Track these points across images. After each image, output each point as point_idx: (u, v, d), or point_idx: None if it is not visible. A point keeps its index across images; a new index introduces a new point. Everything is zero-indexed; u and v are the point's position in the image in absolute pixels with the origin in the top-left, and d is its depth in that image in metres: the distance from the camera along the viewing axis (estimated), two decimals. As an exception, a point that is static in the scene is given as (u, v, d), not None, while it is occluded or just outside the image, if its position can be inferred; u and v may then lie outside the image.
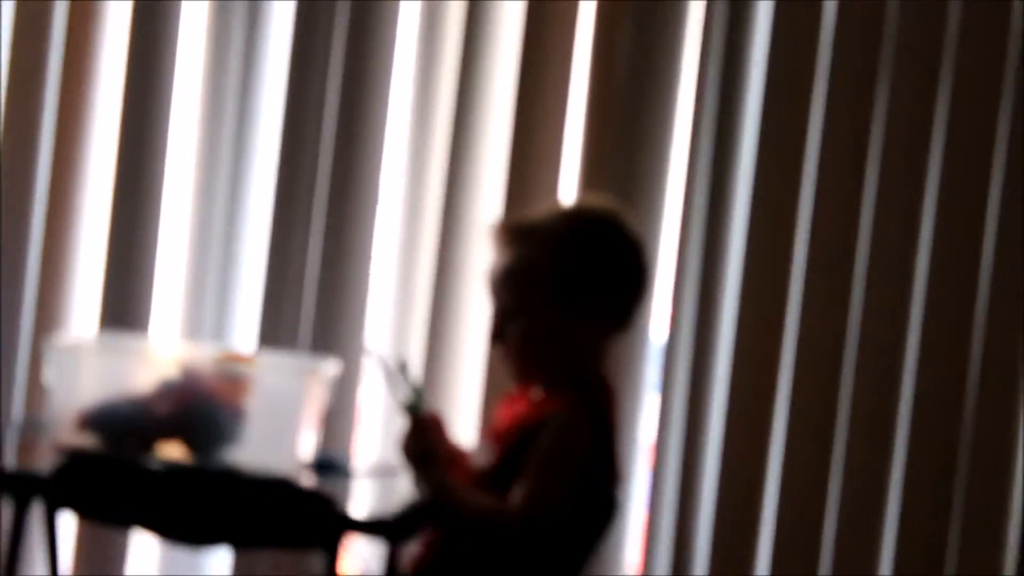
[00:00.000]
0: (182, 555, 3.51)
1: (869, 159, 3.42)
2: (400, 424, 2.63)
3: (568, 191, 3.44)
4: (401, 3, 3.48)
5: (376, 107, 3.48)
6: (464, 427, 3.45)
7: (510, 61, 3.47)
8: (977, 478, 3.43)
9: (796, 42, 3.43)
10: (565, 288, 2.59)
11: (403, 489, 2.66)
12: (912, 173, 3.42)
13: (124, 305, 3.50)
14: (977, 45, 3.39)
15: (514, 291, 2.61)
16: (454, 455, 2.70)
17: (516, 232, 2.63)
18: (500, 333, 2.63)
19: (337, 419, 3.30)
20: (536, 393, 2.64)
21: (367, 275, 3.49)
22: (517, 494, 2.50)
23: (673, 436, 3.47)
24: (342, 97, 3.46)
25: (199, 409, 2.80)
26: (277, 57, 3.53)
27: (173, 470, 2.64)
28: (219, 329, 3.54)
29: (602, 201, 2.75)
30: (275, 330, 3.49)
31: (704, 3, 3.44)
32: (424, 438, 2.59)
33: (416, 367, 3.44)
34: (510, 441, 2.59)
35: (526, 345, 2.62)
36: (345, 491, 2.75)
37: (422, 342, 3.49)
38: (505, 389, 2.73)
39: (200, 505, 2.57)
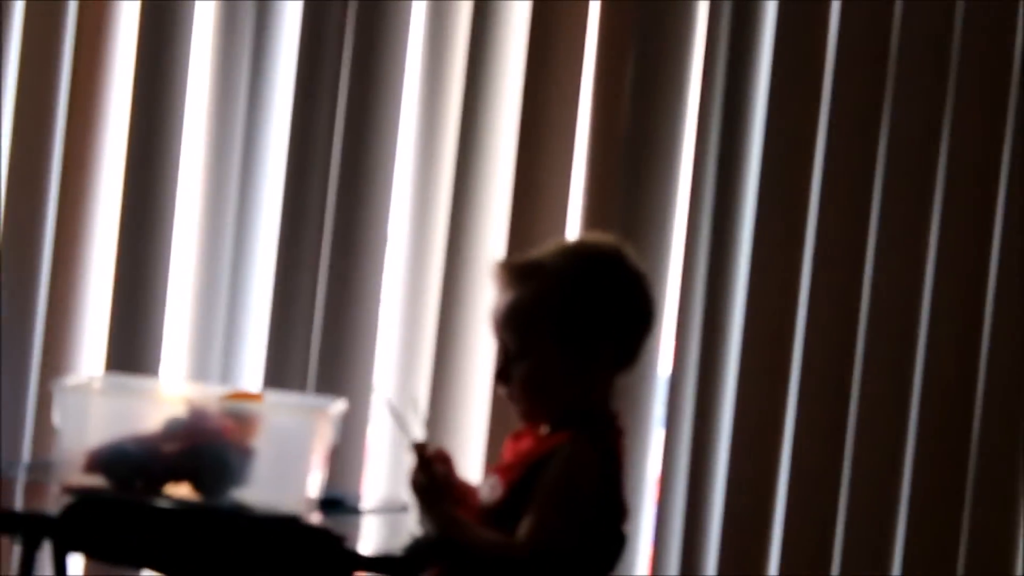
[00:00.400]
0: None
1: (875, 185, 3.44)
2: (408, 461, 2.64)
3: (573, 226, 3.46)
4: (409, 25, 3.50)
5: (382, 143, 3.50)
6: (471, 464, 3.46)
7: (515, 89, 3.50)
8: (986, 482, 3.44)
9: (801, 52, 3.45)
10: (568, 327, 2.59)
11: (411, 525, 2.67)
12: (919, 184, 3.43)
13: (131, 349, 3.51)
14: (983, 44, 3.40)
15: (517, 331, 2.62)
16: (462, 491, 2.70)
17: (518, 271, 2.65)
18: (505, 373, 2.64)
19: (345, 457, 3.30)
20: (542, 429, 2.65)
21: (374, 314, 3.51)
22: (523, 528, 2.51)
23: (679, 470, 3.47)
24: (348, 132, 3.49)
25: (207, 448, 2.79)
26: (282, 101, 3.55)
27: (182, 510, 2.64)
28: (226, 372, 3.55)
29: (605, 238, 2.75)
30: (282, 372, 3.50)
31: (708, 10, 3.45)
32: (431, 473, 2.60)
33: (422, 405, 3.46)
34: (516, 476, 2.60)
35: (531, 385, 2.63)
36: (354, 528, 2.75)
37: (428, 380, 3.50)
38: (511, 425, 2.74)
39: (209, 544, 2.57)
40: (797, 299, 3.45)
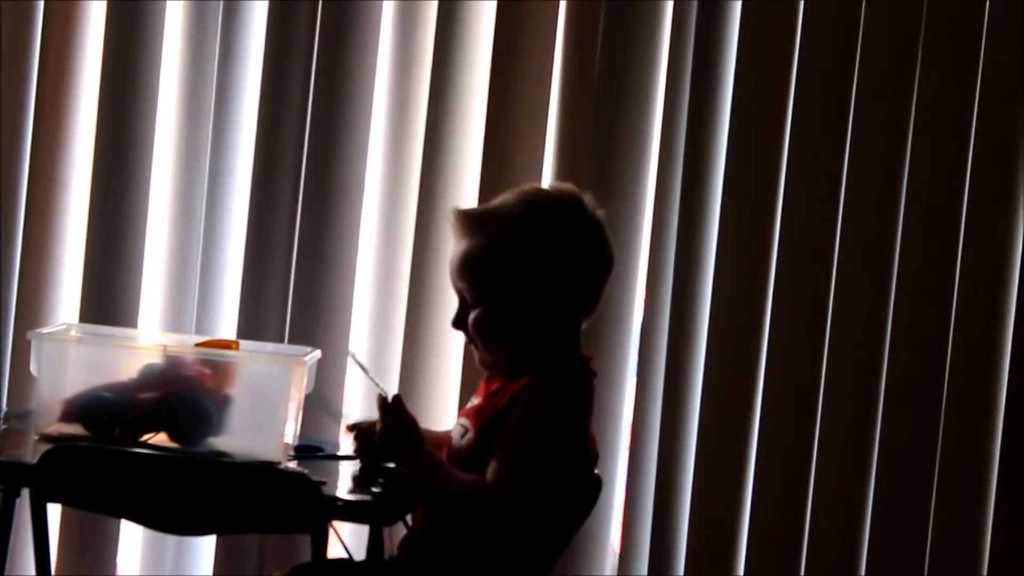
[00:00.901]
0: (170, 539, 3.54)
1: (848, 135, 3.45)
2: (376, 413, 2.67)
3: (546, 175, 3.48)
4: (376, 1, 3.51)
5: (357, 94, 3.50)
6: (444, 412, 3.48)
7: (485, 54, 3.50)
8: (954, 466, 3.46)
9: (768, 31, 3.46)
10: (519, 274, 2.62)
11: (387, 471, 2.69)
12: (887, 160, 3.45)
13: (106, 300, 3.52)
14: (949, 42, 3.41)
15: (470, 279, 2.66)
16: (433, 438, 2.73)
17: (470, 220, 2.68)
18: (462, 320, 2.67)
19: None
20: (505, 375, 2.67)
21: (350, 265, 3.52)
22: (490, 471, 2.54)
23: (652, 417, 3.50)
24: (321, 81, 3.49)
25: (184, 396, 2.81)
26: (255, 48, 3.55)
27: (159, 458, 2.65)
28: (201, 324, 3.56)
29: (561, 186, 2.77)
30: (257, 323, 3.51)
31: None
32: (402, 419, 2.62)
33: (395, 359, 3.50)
34: (483, 422, 2.63)
35: (484, 332, 2.66)
36: (331, 475, 2.77)
37: (402, 329, 3.52)
38: (483, 373, 2.77)
39: (186, 492, 2.58)
40: (770, 245, 3.46)
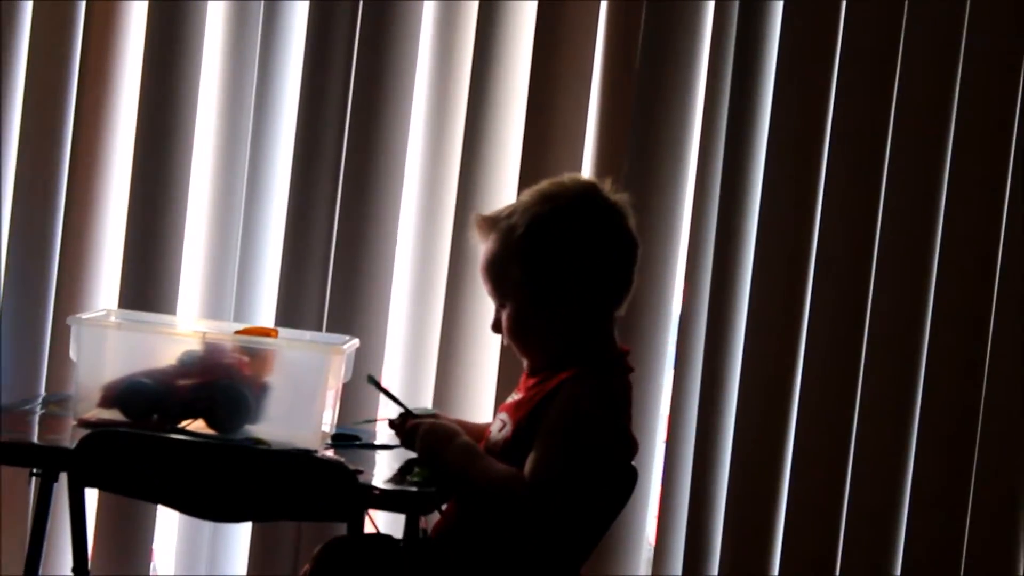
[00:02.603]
0: (205, 536, 3.55)
1: (889, 135, 3.44)
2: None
3: (587, 165, 3.47)
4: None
5: (397, 85, 3.51)
6: (482, 406, 3.48)
7: (525, 54, 3.50)
8: (992, 472, 3.45)
9: (810, 31, 3.45)
10: (538, 271, 2.63)
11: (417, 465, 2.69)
12: (928, 159, 3.44)
13: (145, 286, 3.53)
14: (992, 39, 3.40)
15: (493, 281, 2.68)
16: (471, 431, 2.73)
17: (487, 223, 2.70)
18: (499, 323, 2.69)
19: (358, 394, 3.32)
20: (544, 371, 2.67)
21: (389, 254, 3.52)
22: (528, 465, 2.55)
23: (689, 408, 3.49)
24: (361, 74, 3.49)
25: (222, 383, 2.82)
26: (296, 43, 3.55)
27: (196, 444, 2.66)
28: (240, 312, 3.57)
29: (575, 178, 2.76)
30: (295, 311, 3.52)
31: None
32: (425, 422, 2.66)
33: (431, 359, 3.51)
34: (523, 414, 2.63)
35: (516, 332, 2.68)
36: (367, 464, 2.78)
37: (440, 319, 3.52)
38: (523, 365, 2.77)
39: (223, 479, 2.59)
40: (811, 237, 3.45)
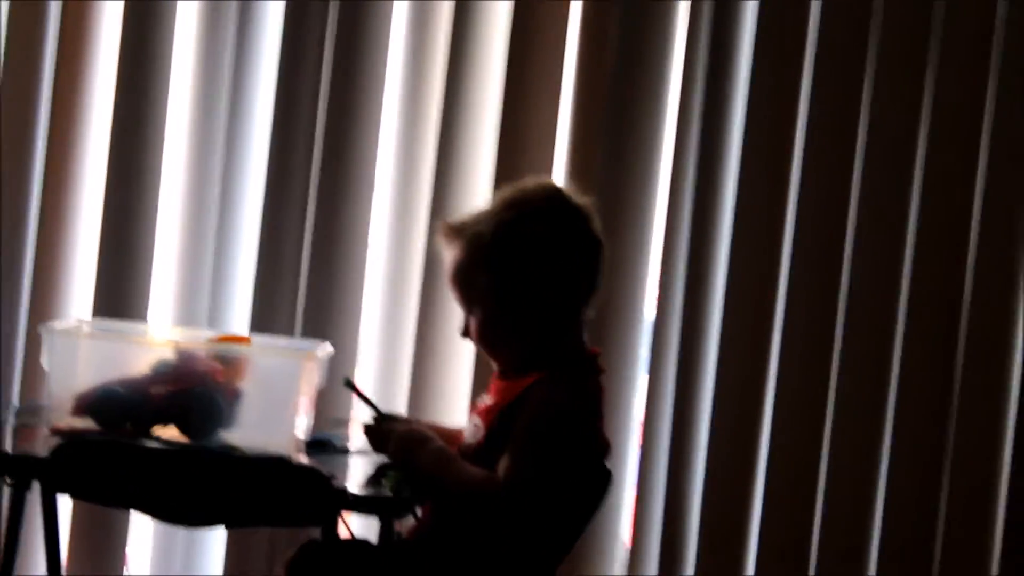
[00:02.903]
0: (180, 535, 3.55)
1: (860, 135, 3.45)
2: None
3: (559, 169, 3.48)
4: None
5: (369, 88, 3.51)
6: (457, 409, 3.48)
7: (499, 55, 3.50)
8: (965, 467, 3.47)
9: (782, 32, 3.46)
10: (502, 277, 2.64)
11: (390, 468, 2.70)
12: (899, 159, 3.45)
13: (118, 294, 3.52)
14: (963, 40, 3.42)
15: (460, 288, 2.69)
16: (446, 435, 2.73)
17: (451, 231, 2.70)
18: (468, 330, 2.70)
19: (332, 400, 3.32)
20: (514, 374, 2.68)
21: (361, 259, 3.52)
22: (500, 468, 2.55)
23: (663, 413, 3.50)
24: (335, 73, 3.49)
25: (196, 391, 2.82)
26: (269, 48, 3.55)
27: (170, 451, 2.66)
28: (213, 318, 3.57)
29: (537, 182, 2.76)
30: (269, 317, 3.52)
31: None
32: (398, 427, 2.66)
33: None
34: (492, 420, 2.64)
35: (484, 337, 2.69)
36: (341, 469, 2.78)
37: (414, 324, 3.52)
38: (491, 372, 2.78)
39: (197, 486, 2.59)
40: (782, 243, 3.46)
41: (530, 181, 2.76)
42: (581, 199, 2.69)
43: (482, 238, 2.65)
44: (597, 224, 2.68)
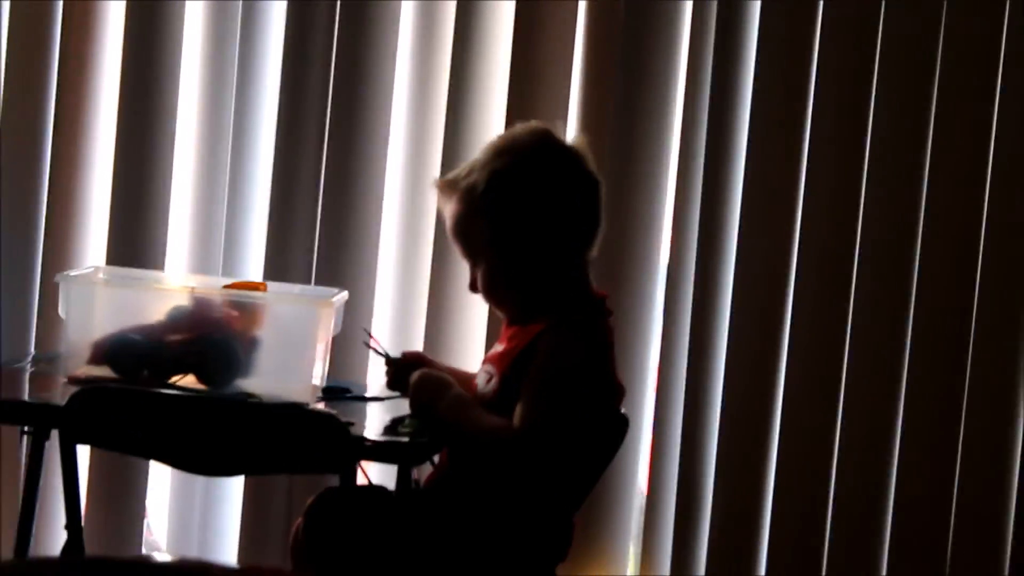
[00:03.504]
0: (198, 485, 3.56)
1: (868, 132, 3.44)
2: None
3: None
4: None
5: (381, 41, 3.49)
6: (472, 357, 3.48)
7: (504, 54, 3.49)
8: (976, 466, 3.47)
9: (788, 29, 3.44)
10: (499, 226, 2.63)
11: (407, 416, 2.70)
12: (907, 154, 3.44)
13: (133, 242, 3.52)
14: (968, 41, 3.40)
15: (461, 242, 2.69)
16: (462, 379, 2.74)
17: (446, 185, 2.70)
18: (473, 280, 2.70)
19: (348, 347, 3.33)
20: (523, 321, 2.67)
21: (376, 206, 3.51)
22: (516, 415, 2.55)
23: (679, 357, 3.50)
24: (345, 26, 3.48)
25: (212, 338, 2.82)
26: (278, 13, 3.54)
27: (187, 399, 2.66)
28: (228, 266, 3.56)
29: (526, 128, 2.73)
30: (283, 265, 3.52)
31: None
32: (416, 372, 2.68)
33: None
34: (505, 367, 2.64)
35: (490, 288, 2.68)
36: (359, 416, 2.78)
37: (428, 270, 3.52)
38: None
39: (214, 433, 2.59)
40: (797, 187, 3.45)
41: (518, 127, 2.75)
42: (572, 139, 2.69)
43: (476, 188, 2.64)
44: (591, 162, 2.68)
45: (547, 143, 2.68)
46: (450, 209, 2.69)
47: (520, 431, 2.54)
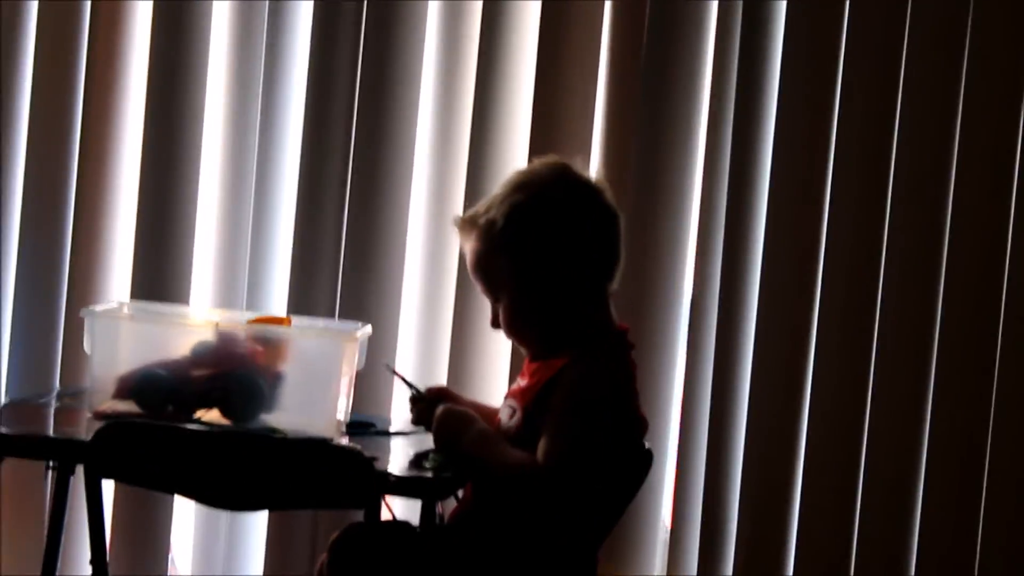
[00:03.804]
0: (222, 522, 3.56)
1: (895, 133, 3.43)
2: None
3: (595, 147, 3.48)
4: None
5: (406, 71, 3.50)
6: (495, 390, 3.48)
7: (530, 55, 3.50)
8: (1006, 463, 3.45)
9: (813, 30, 3.44)
10: (520, 263, 2.64)
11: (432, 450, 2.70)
12: (935, 153, 3.44)
13: (158, 276, 3.53)
14: (996, 37, 3.39)
15: (482, 279, 2.69)
16: (485, 413, 2.74)
17: (467, 222, 2.71)
18: (495, 317, 2.70)
19: (372, 381, 3.33)
20: (545, 356, 2.68)
21: (400, 241, 3.52)
22: (540, 450, 2.55)
23: (702, 391, 3.49)
24: (369, 58, 3.48)
25: (236, 373, 2.82)
26: (303, 29, 3.55)
27: (212, 434, 2.67)
28: (252, 300, 3.57)
29: (542, 164, 2.74)
30: (308, 299, 3.52)
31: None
32: (441, 407, 2.68)
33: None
34: (528, 402, 2.64)
35: (512, 325, 2.69)
36: (383, 451, 2.78)
37: (451, 305, 3.52)
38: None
39: (239, 468, 2.60)
40: (821, 217, 3.44)
41: (536, 162, 2.77)
42: (590, 173, 2.69)
43: (495, 224, 2.64)
44: (610, 196, 2.68)
45: (565, 177, 2.68)
46: (470, 246, 2.69)
47: (544, 465, 2.53)
